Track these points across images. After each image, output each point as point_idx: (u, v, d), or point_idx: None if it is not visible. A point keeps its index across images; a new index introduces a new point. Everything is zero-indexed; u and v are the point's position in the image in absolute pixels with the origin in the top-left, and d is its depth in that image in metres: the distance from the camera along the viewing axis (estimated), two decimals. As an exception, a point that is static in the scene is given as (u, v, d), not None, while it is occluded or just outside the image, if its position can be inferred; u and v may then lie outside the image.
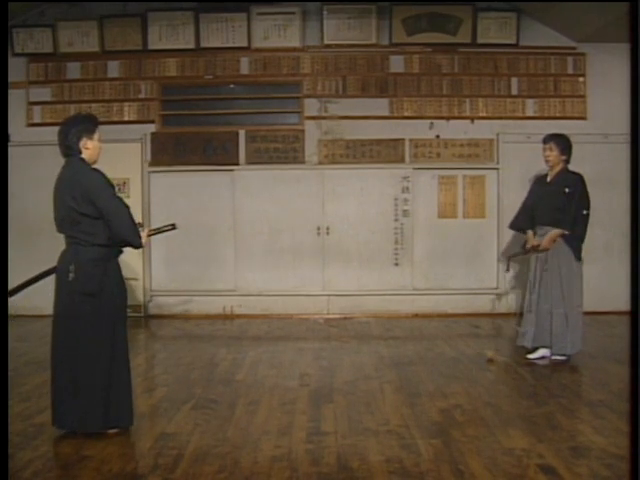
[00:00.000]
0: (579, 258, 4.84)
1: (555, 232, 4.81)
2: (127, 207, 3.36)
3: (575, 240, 4.81)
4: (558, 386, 4.30)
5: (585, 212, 4.80)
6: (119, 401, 3.39)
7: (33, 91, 7.08)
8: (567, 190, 4.81)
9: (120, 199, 3.36)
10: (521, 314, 5.32)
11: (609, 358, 4.98)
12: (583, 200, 4.81)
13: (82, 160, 3.37)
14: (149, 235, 3.71)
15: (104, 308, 3.30)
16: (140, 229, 3.59)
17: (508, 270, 5.76)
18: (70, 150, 3.37)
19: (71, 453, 3.13)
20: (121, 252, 3.53)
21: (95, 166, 3.46)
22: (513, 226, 5.33)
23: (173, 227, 3.88)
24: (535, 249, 4.97)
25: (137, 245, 3.39)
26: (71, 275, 3.27)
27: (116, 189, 3.46)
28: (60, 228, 3.38)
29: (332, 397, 4.04)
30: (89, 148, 3.39)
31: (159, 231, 3.90)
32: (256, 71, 7.06)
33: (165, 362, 5.18)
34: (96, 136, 3.42)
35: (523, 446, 3.17)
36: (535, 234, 5.00)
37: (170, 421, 3.61)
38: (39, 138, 6.61)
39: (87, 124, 3.41)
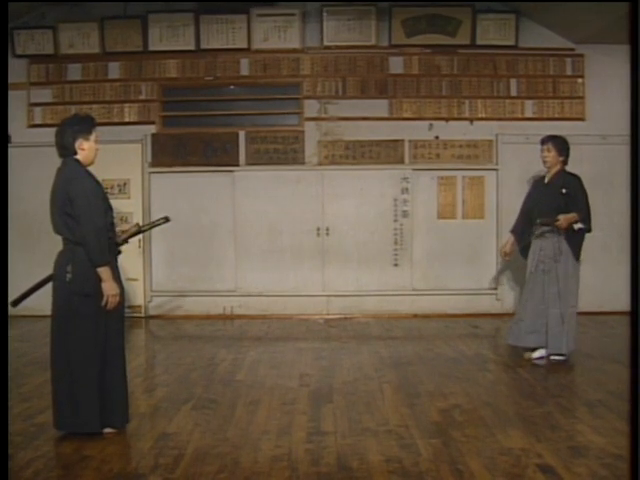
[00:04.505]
0: (578, 258, 4.84)
1: (573, 215, 4.76)
2: (100, 221, 3.26)
3: (580, 239, 4.82)
4: (557, 386, 4.31)
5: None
6: (114, 401, 3.40)
7: (34, 92, 7.09)
8: (564, 191, 4.82)
9: (94, 210, 3.24)
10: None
11: (607, 358, 4.99)
12: (578, 200, 4.81)
13: (76, 161, 3.35)
14: (143, 231, 3.71)
15: (101, 309, 3.30)
16: (136, 228, 3.61)
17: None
18: (66, 150, 3.36)
19: (72, 453, 3.15)
20: (119, 252, 3.54)
21: (95, 167, 3.46)
22: (515, 231, 5.27)
23: (166, 220, 3.86)
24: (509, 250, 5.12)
25: (94, 260, 3.24)
26: (68, 276, 3.28)
27: (111, 191, 3.44)
28: (55, 229, 3.39)
29: (332, 397, 4.05)
30: (85, 149, 3.37)
31: (153, 225, 3.90)
32: (256, 72, 7.07)
33: (165, 362, 5.19)
34: (92, 137, 3.40)
35: (522, 446, 3.18)
36: (532, 233, 5.00)
37: (170, 421, 3.62)
38: (40, 139, 6.60)
39: (84, 125, 3.39)
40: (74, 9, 7.01)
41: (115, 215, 3.61)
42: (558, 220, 4.77)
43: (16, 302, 3.54)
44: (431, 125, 7.03)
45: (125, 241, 3.63)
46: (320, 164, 7.06)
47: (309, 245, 7.04)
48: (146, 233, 6.81)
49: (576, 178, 4.90)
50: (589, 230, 4.87)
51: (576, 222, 4.80)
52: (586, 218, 4.82)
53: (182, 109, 7.15)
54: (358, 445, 3.23)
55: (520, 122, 6.98)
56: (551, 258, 4.84)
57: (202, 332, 6.44)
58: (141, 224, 3.86)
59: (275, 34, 6.97)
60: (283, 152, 7.04)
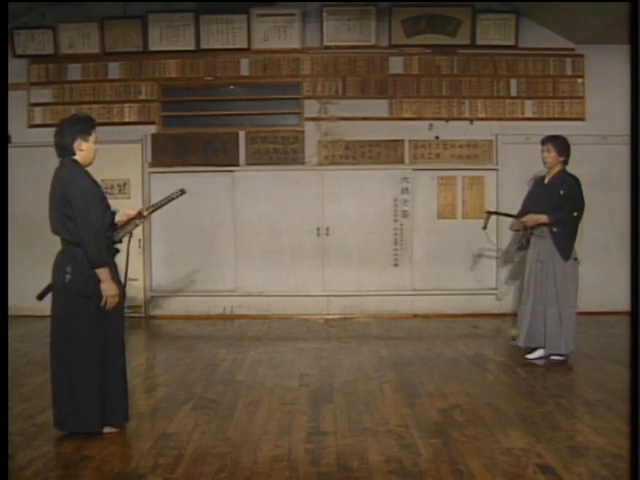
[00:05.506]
0: (566, 258, 4.82)
1: (542, 217, 4.82)
2: (98, 221, 3.26)
3: (563, 240, 4.81)
4: (556, 386, 4.31)
5: (575, 214, 4.80)
6: (114, 401, 3.40)
7: (34, 92, 7.09)
8: (562, 192, 4.83)
9: (92, 211, 3.24)
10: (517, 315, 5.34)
11: (607, 358, 4.99)
12: (576, 202, 4.81)
13: (74, 162, 3.35)
14: (158, 208, 3.70)
15: (100, 309, 3.30)
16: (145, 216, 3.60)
17: (485, 228, 5.53)
18: (65, 151, 3.35)
19: (72, 453, 3.15)
20: (118, 251, 3.53)
21: (95, 167, 3.45)
22: (513, 228, 5.31)
23: (182, 192, 3.79)
24: (520, 226, 5.01)
25: (93, 261, 3.25)
26: (67, 276, 3.28)
27: (111, 191, 3.41)
28: (53, 230, 3.38)
29: (332, 397, 4.05)
30: (83, 150, 3.36)
31: (169, 199, 3.82)
32: (256, 72, 7.08)
33: (165, 362, 5.20)
34: (92, 138, 3.39)
35: (522, 446, 3.18)
36: (532, 234, 5.00)
37: (170, 421, 3.62)
38: (40, 139, 6.58)
39: (83, 125, 3.38)
40: (74, 9, 7.02)
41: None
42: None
43: (41, 296, 3.49)
44: (431, 125, 7.03)
45: (135, 226, 3.58)
46: (320, 164, 7.06)
47: (309, 245, 7.04)
48: (146, 234, 6.85)
49: (575, 180, 4.89)
50: (566, 236, 4.83)
51: (550, 225, 4.80)
52: (564, 222, 4.78)
53: (182, 109, 7.15)
54: (358, 445, 3.23)
55: (520, 122, 6.99)
56: (549, 258, 4.84)
57: (202, 332, 6.44)
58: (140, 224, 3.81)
59: (275, 34, 6.97)
60: (283, 152, 7.04)
